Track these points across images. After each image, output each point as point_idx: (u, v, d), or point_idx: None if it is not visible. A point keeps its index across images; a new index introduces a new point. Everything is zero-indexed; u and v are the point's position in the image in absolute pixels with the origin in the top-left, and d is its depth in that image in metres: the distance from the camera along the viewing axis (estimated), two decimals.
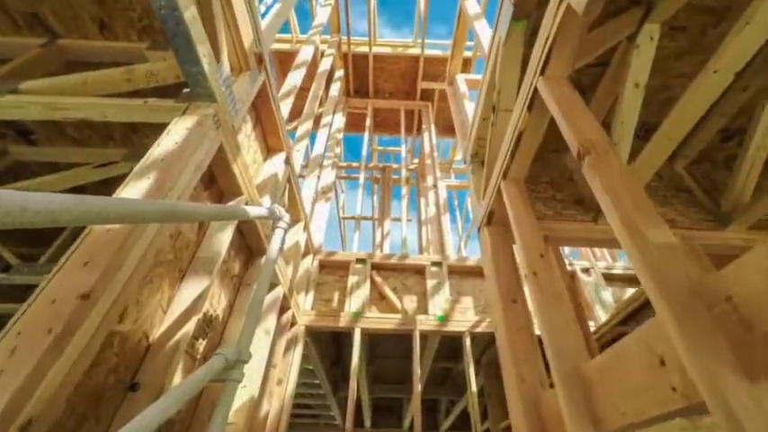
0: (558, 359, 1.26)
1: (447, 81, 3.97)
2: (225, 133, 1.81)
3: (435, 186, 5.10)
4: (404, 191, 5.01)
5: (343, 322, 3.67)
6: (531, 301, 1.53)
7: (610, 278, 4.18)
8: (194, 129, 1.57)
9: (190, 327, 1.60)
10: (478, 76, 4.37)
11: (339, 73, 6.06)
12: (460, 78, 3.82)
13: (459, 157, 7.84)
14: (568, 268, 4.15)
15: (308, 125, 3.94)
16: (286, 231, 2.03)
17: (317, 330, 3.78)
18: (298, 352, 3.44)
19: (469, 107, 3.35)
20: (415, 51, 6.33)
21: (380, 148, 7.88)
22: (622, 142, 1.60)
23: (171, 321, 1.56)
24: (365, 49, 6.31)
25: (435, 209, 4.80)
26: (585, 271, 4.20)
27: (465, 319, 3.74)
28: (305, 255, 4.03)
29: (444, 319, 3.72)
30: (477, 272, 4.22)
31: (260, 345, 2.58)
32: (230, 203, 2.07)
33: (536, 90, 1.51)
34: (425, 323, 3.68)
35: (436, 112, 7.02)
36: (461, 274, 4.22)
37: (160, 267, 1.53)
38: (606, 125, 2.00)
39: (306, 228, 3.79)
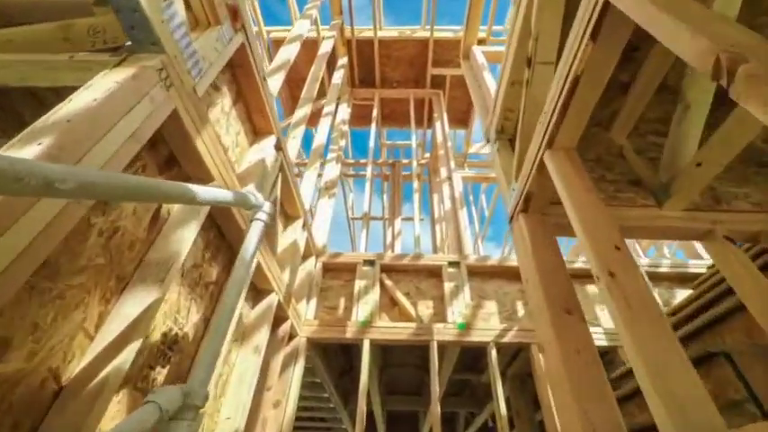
0: (678, 416, 0.77)
1: (462, 54, 3.51)
2: (181, 96, 1.38)
3: (450, 179, 4.61)
4: (416, 185, 4.54)
5: (350, 333, 3.22)
6: (612, 316, 1.05)
7: (655, 277, 3.61)
8: (127, 83, 1.14)
9: (129, 354, 1.17)
10: (499, 48, 3.89)
11: (342, 61, 5.64)
12: (477, 50, 3.35)
13: (473, 150, 7.33)
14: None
15: (306, 109, 3.52)
16: (267, 224, 1.59)
17: (321, 343, 3.34)
18: (299, 368, 3.00)
19: (491, 80, 2.88)
20: (424, 34, 5.87)
21: (389, 142, 7.43)
22: None
23: (100, 349, 1.13)
24: (370, 34, 5.88)
25: (451, 203, 4.32)
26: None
27: (489, 327, 3.24)
28: (305, 257, 3.60)
29: (465, 327, 3.23)
30: (500, 272, 3.71)
31: (246, 366, 2.14)
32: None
33: (607, 4, 1.03)
34: (444, 333, 3.20)
35: (448, 101, 6.53)
36: (482, 275, 3.72)
37: (82, 275, 1.11)
38: None
39: (306, 226, 3.36)
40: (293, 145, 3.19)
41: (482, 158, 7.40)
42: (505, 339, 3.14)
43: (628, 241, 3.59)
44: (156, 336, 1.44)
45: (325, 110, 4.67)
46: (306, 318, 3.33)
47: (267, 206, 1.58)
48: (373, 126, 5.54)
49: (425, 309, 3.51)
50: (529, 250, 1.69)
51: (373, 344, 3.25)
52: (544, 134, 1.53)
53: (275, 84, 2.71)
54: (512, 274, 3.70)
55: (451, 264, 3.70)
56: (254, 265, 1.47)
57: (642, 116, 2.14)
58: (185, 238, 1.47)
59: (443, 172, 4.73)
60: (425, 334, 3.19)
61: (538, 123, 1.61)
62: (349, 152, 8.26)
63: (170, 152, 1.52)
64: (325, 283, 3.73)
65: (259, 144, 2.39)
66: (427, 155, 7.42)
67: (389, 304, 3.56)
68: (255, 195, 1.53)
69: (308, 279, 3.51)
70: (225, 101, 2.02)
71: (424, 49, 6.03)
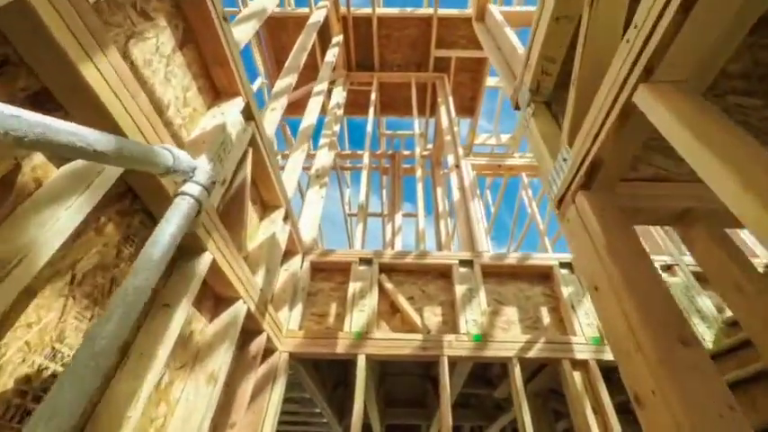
0: None
1: (475, 16, 2.96)
2: None
3: (458, 166, 4.05)
4: (419, 173, 3.98)
5: (341, 347, 2.66)
6: None
7: (705, 278, 3.06)
8: None
9: None
10: (521, 8, 3.35)
11: (337, 39, 5.07)
12: (494, 8, 2.80)
13: (479, 141, 6.77)
14: None
15: (290, 79, 2.96)
16: (202, 202, 1.02)
17: (307, 358, 2.78)
18: (277, 391, 2.45)
19: (514, 38, 2.32)
20: (428, 11, 5.30)
21: (389, 132, 6.87)
22: None
23: None
24: (368, 11, 5.31)
25: (460, 193, 3.76)
26: (668, 268, 3.09)
27: (510, 338, 2.68)
28: (288, 255, 3.04)
29: (482, 339, 2.67)
30: (520, 273, 3.15)
31: (195, 402, 1.58)
32: None
33: None
34: (456, 346, 2.64)
35: (452, 87, 5.97)
36: (499, 276, 3.17)
37: None
38: None
39: (289, 218, 2.80)
40: (272, 119, 2.62)
41: (488, 150, 6.85)
42: (531, 354, 2.59)
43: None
44: (8, 383, 0.88)
45: (317, 88, 4.10)
46: (288, 328, 2.77)
47: (202, 174, 1.02)
48: (371, 111, 4.97)
49: (433, 316, 2.96)
50: (599, 243, 1.13)
51: (370, 359, 2.69)
52: (634, 62, 0.97)
53: (245, 32, 2.15)
54: (534, 275, 3.15)
55: (463, 263, 3.14)
56: (163, 265, 0.90)
57: None
58: (61, 223, 0.91)
59: (450, 159, 4.17)
60: (434, 348, 2.64)
61: (618, 52, 1.05)
62: (345, 143, 7.71)
63: (41, 85, 0.95)
64: (313, 285, 3.17)
65: (220, 107, 1.83)
66: (430, 146, 6.86)
67: (390, 311, 3.00)
68: (177, 155, 0.97)
69: (293, 281, 2.95)
70: (162, 38, 1.46)
71: (428, 29, 5.46)
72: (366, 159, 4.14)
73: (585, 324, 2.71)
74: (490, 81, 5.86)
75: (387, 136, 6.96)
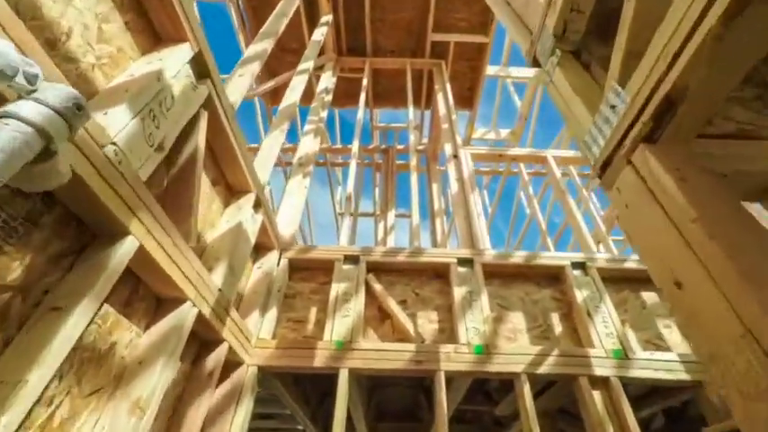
0: None
1: None
2: None
3: (456, 156, 3.68)
4: (413, 161, 3.61)
5: (320, 360, 2.24)
6: None
7: None
8: None
9: None
10: None
11: (326, 18, 4.70)
12: None
13: (477, 135, 6.43)
14: None
15: (266, 45, 2.56)
16: (53, 139, 0.62)
17: (280, 372, 2.36)
18: (242, 412, 2.02)
19: None
20: None
21: (382, 125, 6.50)
22: None
23: None
24: None
25: (459, 185, 3.38)
26: None
27: (517, 350, 2.29)
28: (262, 250, 2.63)
29: (484, 350, 2.28)
30: (526, 273, 2.78)
31: None
32: None
33: None
34: (455, 359, 2.24)
35: (450, 75, 5.62)
36: (503, 277, 2.79)
37: None
38: None
39: (262, 206, 2.40)
40: (239, 85, 2.22)
41: (488, 145, 6.50)
42: (542, 370, 2.20)
43: None
44: None
45: (302, 66, 3.72)
46: (259, 336, 2.35)
47: (52, 91, 0.62)
48: (362, 97, 4.59)
49: (428, 323, 2.56)
50: (681, 217, 0.75)
51: (354, 374, 2.29)
52: None
53: None
54: (542, 276, 2.78)
55: (462, 261, 2.75)
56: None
57: None
58: None
59: (448, 149, 3.80)
60: (429, 361, 2.24)
61: None
62: (337, 138, 7.33)
63: None
64: (291, 287, 2.76)
65: (159, 53, 1.43)
66: (425, 140, 6.50)
67: (378, 317, 2.60)
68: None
69: (266, 281, 2.53)
70: None
71: (424, 12, 5.12)
72: (355, 148, 3.75)
73: (605, 334, 2.33)
74: (490, 70, 5.53)
75: (380, 129, 6.59)
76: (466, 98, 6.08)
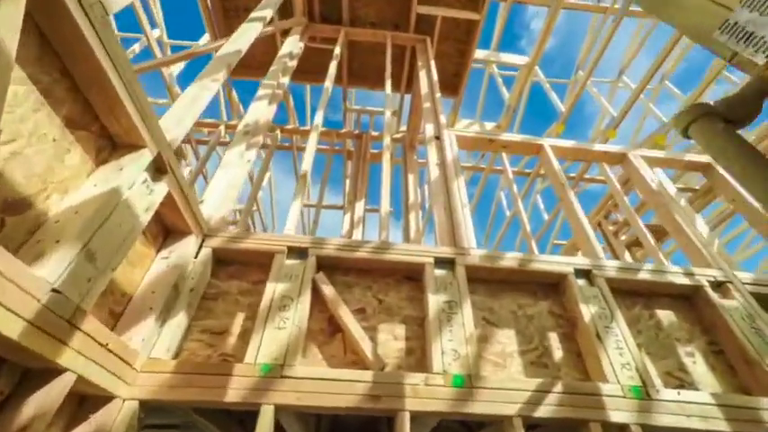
0: None
1: None
2: None
3: (438, 138, 3.09)
4: (387, 141, 2.99)
5: (236, 391, 1.56)
6: None
7: (765, 300, 2.25)
8: None
9: None
10: None
11: None
12: None
13: (461, 125, 5.91)
14: (683, 280, 2.22)
15: None
16: None
17: (175, 407, 1.66)
18: None
19: None
20: None
21: (356, 107, 5.84)
22: None
23: None
24: None
25: (440, 170, 2.79)
26: (718, 287, 2.27)
27: (506, 382, 1.71)
28: (172, 234, 1.93)
29: (465, 383, 1.68)
30: (519, 280, 2.22)
31: None
32: None
33: None
34: (425, 394, 1.63)
35: (435, 57, 5.05)
36: (491, 283, 2.22)
37: None
38: None
39: (167, 173, 1.68)
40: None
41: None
42: (540, 412, 1.62)
43: None
44: None
45: (257, 13, 2.99)
46: (151, 355, 1.64)
47: None
48: (334, 65, 3.91)
49: (392, 341, 1.94)
50: None
51: (282, 410, 1.63)
52: None
53: None
54: (538, 285, 2.23)
55: (441, 262, 2.15)
56: None
57: None
58: None
59: (429, 130, 3.20)
60: (390, 396, 1.61)
61: None
62: (307, 119, 6.60)
63: None
64: (214, 285, 2.06)
65: None
66: (403, 128, 5.91)
67: (327, 330, 1.95)
68: None
69: (173, 276, 1.82)
70: None
71: None
72: (319, 118, 3.08)
73: (620, 364, 1.80)
74: (479, 54, 5.00)
75: (354, 112, 5.93)
76: (451, 84, 5.53)
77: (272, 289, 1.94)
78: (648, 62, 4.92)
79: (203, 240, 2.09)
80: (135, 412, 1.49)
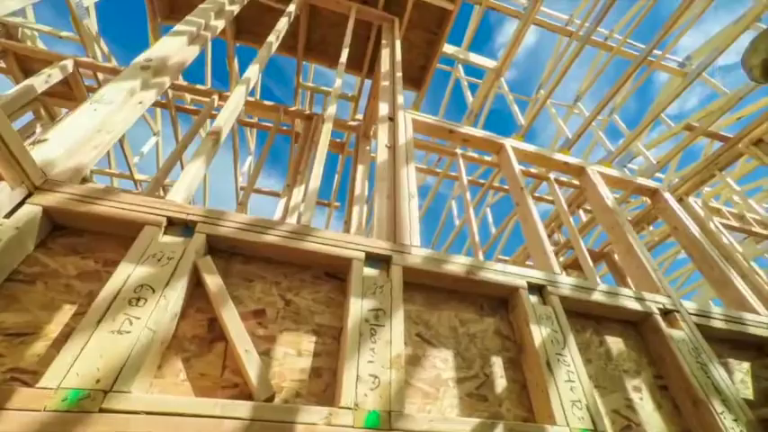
0: None
1: None
2: None
3: (392, 119, 2.67)
4: (331, 109, 2.50)
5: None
6: None
7: (711, 335, 2.10)
8: None
9: None
10: None
11: None
12: None
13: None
14: (635, 305, 2.01)
15: None
16: None
17: None
18: None
19: None
20: None
21: (311, 85, 5.25)
22: None
23: None
24: None
25: (389, 152, 2.36)
26: (665, 315, 2.09)
27: (436, 424, 1.30)
28: None
29: (381, 424, 1.23)
30: (462, 292, 1.84)
31: None
32: None
33: None
34: None
35: (403, 46, 4.67)
36: (431, 291, 1.81)
37: None
38: None
39: None
40: None
41: (429, 140, 5.69)
42: None
43: None
44: None
45: None
46: None
47: None
48: (284, 21, 3.33)
49: (294, 358, 1.43)
50: None
51: None
52: None
53: None
54: (486, 297, 1.86)
55: (374, 259, 1.70)
56: None
57: None
58: None
59: (383, 109, 2.77)
60: None
61: None
62: (257, 91, 5.86)
63: None
64: (37, 261, 1.40)
65: None
66: (359, 116, 5.44)
67: (205, 338, 1.39)
68: None
69: None
70: None
71: None
72: (252, 74, 2.49)
73: (570, 402, 1.47)
74: (448, 49, 4.71)
75: (308, 89, 5.33)
76: (415, 79, 5.19)
77: (126, 273, 1.33)
78: (602, 93, 5.00)
79: (29, 194, 1.42)
80: None
